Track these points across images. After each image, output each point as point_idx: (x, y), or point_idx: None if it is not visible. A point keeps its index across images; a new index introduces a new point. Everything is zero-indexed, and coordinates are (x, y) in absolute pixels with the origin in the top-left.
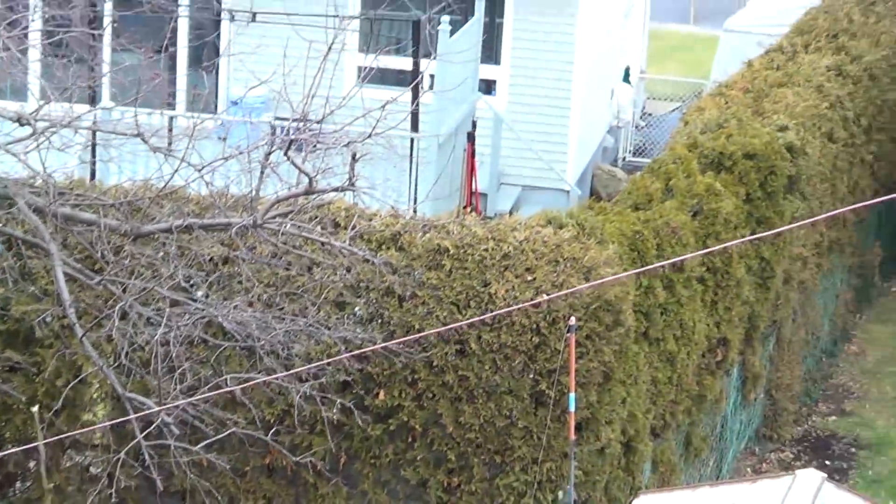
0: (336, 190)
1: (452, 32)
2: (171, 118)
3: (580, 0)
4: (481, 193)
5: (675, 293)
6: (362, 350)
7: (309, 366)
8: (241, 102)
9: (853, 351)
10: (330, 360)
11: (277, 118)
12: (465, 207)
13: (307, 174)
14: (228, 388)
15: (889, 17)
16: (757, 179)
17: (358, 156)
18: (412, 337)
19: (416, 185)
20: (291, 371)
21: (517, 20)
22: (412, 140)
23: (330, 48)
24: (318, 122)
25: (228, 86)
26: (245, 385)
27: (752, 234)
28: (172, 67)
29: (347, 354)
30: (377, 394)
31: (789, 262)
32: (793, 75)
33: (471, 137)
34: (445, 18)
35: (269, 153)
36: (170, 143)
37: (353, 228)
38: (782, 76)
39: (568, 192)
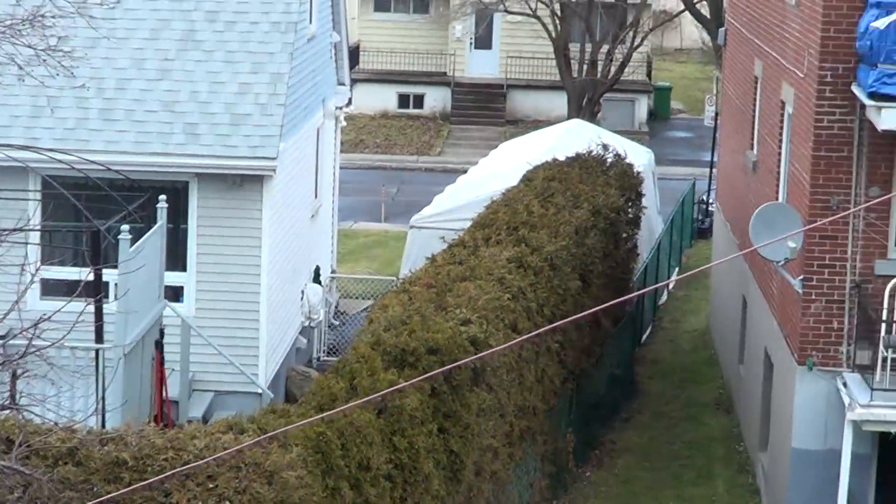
0: None
1: (135, 241)
2: None
3: (265, 204)
4: (173, 401)
5: (363, 492)
6: None
7: None
8: None
9: None
10: None
11: None
12: (155, 417)
13: None
14: None
15: (567, 209)
16: (441, 374)
17: (28, 371)
18: None
19: (102, 397)
20: None
21: (202, 226)
22: (97, 352)
23: None
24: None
25: None
26: None
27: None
28: None
29: None
30: None
31: (480, 453)
32: (475, 268)
33: (159, 345)
34: (125, 227)
35: None
36: None
37: (26, 445)
38: (465, 270)
39: (261, 394)
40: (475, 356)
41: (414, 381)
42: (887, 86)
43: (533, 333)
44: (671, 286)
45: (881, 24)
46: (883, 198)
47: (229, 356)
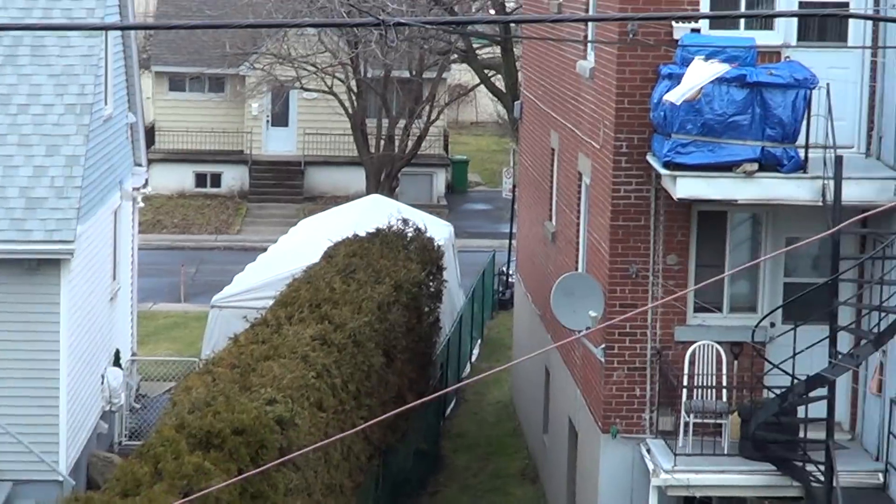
0: None
1: None
2: None
3: (63, 288)
4: None
5: None
6: None
7: None
8: None
9: None
10: None
11: None
12: None
13: None
14: None
15: (370, 284)
16: (248, 454)
17: None
18: None
19: None
20: None
21: None
22: None
23: None
24: None
25: None
26: None
27: None
28: None
29: None
30: None
31: None
32: (279, 347)
33: None
34: None
35: None
36: None
37: None
38: (268, 349)
39: (62, 482)
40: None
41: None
42: (681, 155)
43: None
44: (474, 358)
45: (675, 97)
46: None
47: (28, 444)
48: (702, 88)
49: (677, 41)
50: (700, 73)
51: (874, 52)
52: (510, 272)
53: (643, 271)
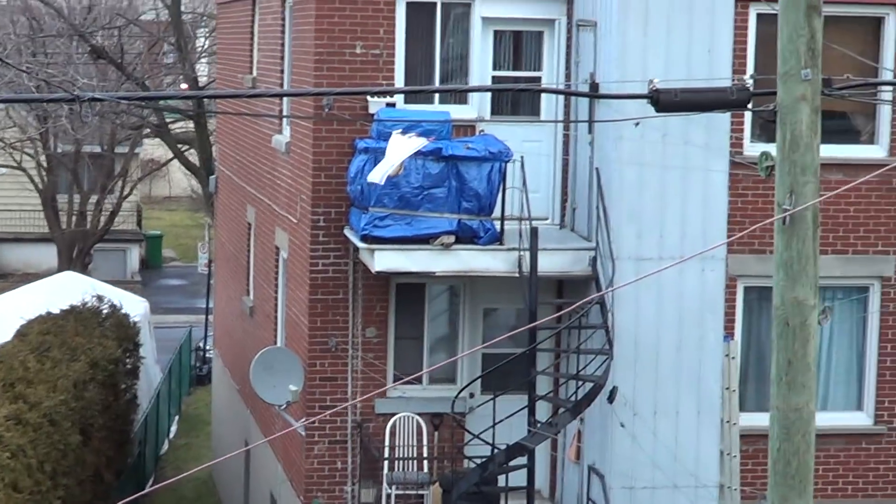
0: None
1: None
2: None
3: None
4: None
5: None
6: None
7: None
8: None
9: None
10: None
11: None
12: None
13: None
14: None
15: (65, 362)
16: None
17: None
18: None
19: None
20: None
21: None
22: None
23: None
24: None
25: None
26: None
27: None
28: None
29: None
30: None
31: None
32: None
33: None
34: None
35: None
36: None
37: None
38: None
39: None
40: None
41: None
42: (379, 228)
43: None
44: (172, 435)
45: (377, 177)
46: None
47: None
48: (403, 163)
49: (373, 115)
50: (400, 148)
51: (566, 126)
52: (207, 347)
53: (342, 344)
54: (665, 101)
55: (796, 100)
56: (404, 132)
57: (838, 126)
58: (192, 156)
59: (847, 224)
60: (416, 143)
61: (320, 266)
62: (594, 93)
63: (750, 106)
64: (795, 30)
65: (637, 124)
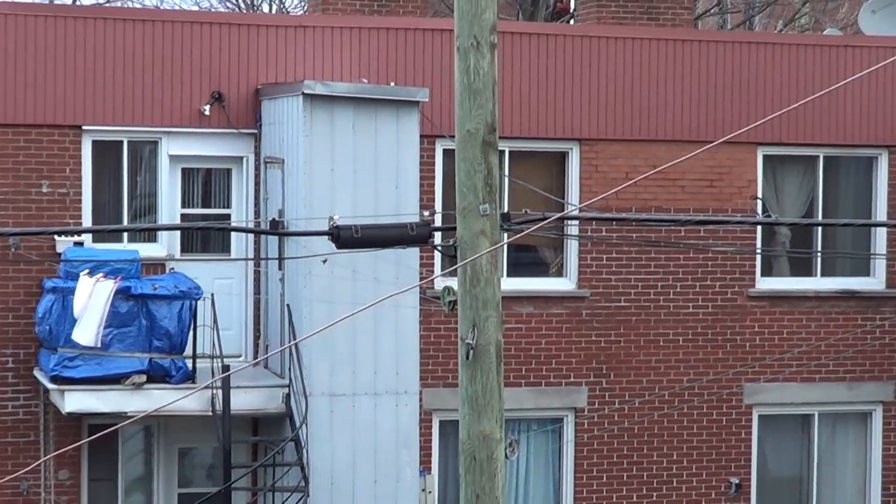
0: None
1: None
2: None
3: None
4: None
5: None
6: None
7: None
8: None
9: None
10: None
11: None
12: None
13: None
14: None
15: None
16: None
17: None
18: None
19: None
20: None
21: None
22: None
23: None
24: None
25: None
26: None
27: None
28: None
29: None
30: None
31: None
32: None
33: None
34: None
35: None
36: None
37: None
38: None
39: None
40: None
41: None
42: (69, 369)
43: None
44: None
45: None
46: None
47: None
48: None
49: (61, 254)
50: (89, 293)
51: (256, 263)
52: None
53: (34, 488)
54: (345, 238)
55: (475, 234)
56: (91, 272)
57: (529, 259)
58: None
59: (539, 356)
60: (106, 287)
61: (10, 408)
62: (275, 230)
63: (432, 242)
64: (473, 165)
65: (325, 261)
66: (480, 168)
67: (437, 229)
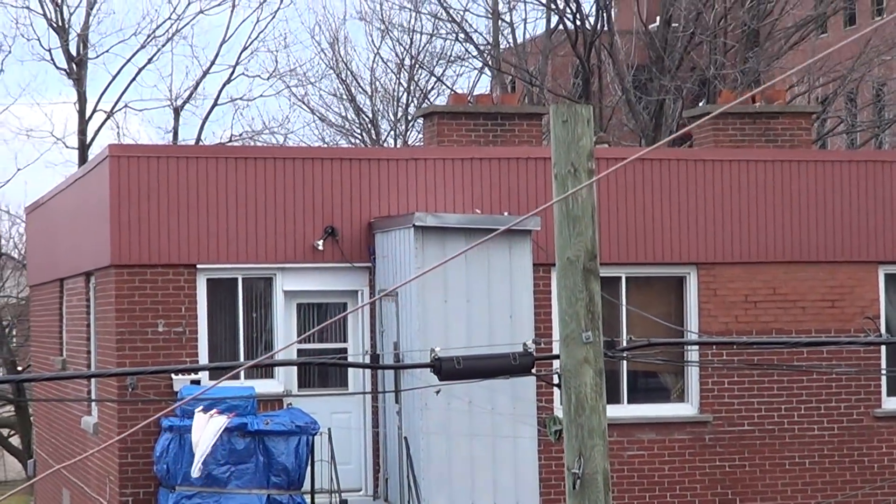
0: None
1: None
2: None
3: None
4: None
5: None
6: None
7: None
8: None
9: None
10: None
11: None
12: None
13: None
14: None
15: None
16: None
17: None
18: None
19: None
20: None
21: None
22: None
23: None
24: None
25: None
26: None
27: None
28: None
29: None
30: None
31: None
32: None
33: None
34: None
35: None
36: None
37: None
38: None
39: None
40: None
41: None
42: None
43: None
44: None
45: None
46: None
47: None
48: (213, 444)
49: (177, 393)
50: (203, 428)
51: (374, 397)
52: None
53: None
54: (447, 370)
55: (579, 363)
56: (206, 409)
57: (649, 384)
58: (15, 439)
59: (662, 482)
60: (217, 422)
61: None
62: (375, 364)
63: (534, 371)
64: (574, 293)
65: (438, 392)
66: (581, 295)
67: (539, 359)
